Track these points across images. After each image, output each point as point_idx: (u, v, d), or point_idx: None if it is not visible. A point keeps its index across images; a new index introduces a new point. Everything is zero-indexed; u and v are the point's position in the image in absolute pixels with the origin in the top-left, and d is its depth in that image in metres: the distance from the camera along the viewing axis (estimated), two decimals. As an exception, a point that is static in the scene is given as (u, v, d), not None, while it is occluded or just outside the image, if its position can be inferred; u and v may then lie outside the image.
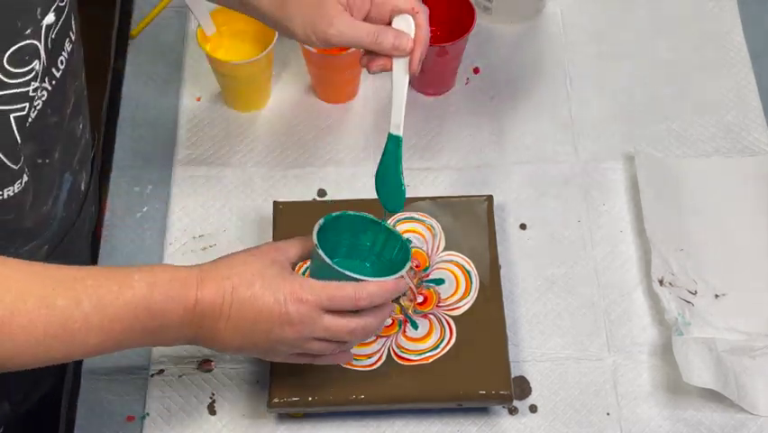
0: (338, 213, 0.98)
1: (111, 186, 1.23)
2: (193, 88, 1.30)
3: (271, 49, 1.21)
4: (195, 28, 1.24)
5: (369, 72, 1.00)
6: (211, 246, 1.18)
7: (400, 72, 0.98)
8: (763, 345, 1.10)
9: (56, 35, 0.89)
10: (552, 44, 1.34)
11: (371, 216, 1.00)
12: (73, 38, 0.94)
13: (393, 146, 0.99)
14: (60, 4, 0.88)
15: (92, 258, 1.17)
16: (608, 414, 1.08)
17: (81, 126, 1.03)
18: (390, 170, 0.99)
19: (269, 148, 1.26)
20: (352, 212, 0.99)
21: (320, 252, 0.93)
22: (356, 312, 0.94)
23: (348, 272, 0.93)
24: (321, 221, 0.96)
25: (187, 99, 1.30)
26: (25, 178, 0.91)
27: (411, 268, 1.11)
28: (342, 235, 1.00)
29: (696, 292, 1.14)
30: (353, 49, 1.20)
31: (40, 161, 0.95)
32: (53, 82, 0.91)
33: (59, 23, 0.89)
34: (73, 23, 0.94)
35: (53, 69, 0.91)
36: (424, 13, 0.98)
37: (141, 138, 1.27)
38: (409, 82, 0.98)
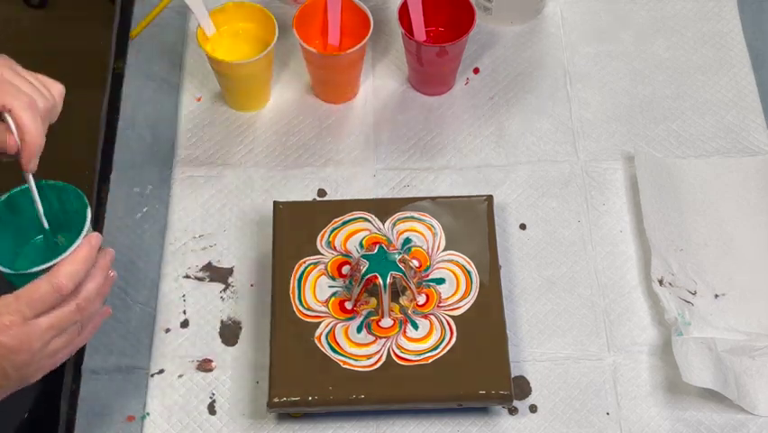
0: None
1: (111, 186, 1.23)
2: (193, 88, 1.30)
3: (271, 49, 1.21)
4: (195, 28, 1.24)
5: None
6: (211, 246, 1.18)
7: None
8: (763, 345, 1.10)
9: None
10: (552, 44, 1.34)
11: (24, 187, 0.89)
12: None
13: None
14: None
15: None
16: (607, 414, 1.08)
17: None
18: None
19: (269, 148, 1.26)
20: (3, 196, 0.89)
21: None
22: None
23: (30, 270, 0.84)
24: None
25: (187, 99, 1.30)
26: None
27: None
28: (23, 216, 0.91)
29: (696, 292, 1.14)
30: (354, 48, 1.20)
31: None
32: None
33: None
34: None
35: None
36: (24, 109, 0.86)
37: (141, 138, 1.27)
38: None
